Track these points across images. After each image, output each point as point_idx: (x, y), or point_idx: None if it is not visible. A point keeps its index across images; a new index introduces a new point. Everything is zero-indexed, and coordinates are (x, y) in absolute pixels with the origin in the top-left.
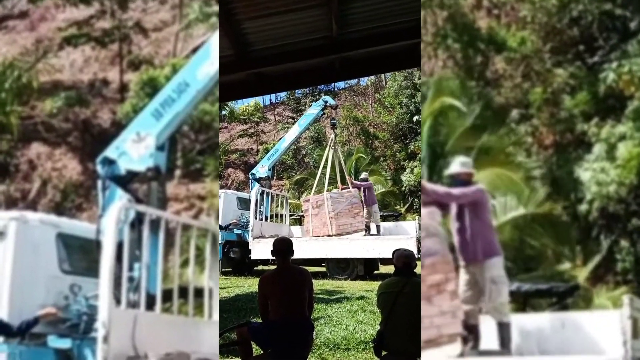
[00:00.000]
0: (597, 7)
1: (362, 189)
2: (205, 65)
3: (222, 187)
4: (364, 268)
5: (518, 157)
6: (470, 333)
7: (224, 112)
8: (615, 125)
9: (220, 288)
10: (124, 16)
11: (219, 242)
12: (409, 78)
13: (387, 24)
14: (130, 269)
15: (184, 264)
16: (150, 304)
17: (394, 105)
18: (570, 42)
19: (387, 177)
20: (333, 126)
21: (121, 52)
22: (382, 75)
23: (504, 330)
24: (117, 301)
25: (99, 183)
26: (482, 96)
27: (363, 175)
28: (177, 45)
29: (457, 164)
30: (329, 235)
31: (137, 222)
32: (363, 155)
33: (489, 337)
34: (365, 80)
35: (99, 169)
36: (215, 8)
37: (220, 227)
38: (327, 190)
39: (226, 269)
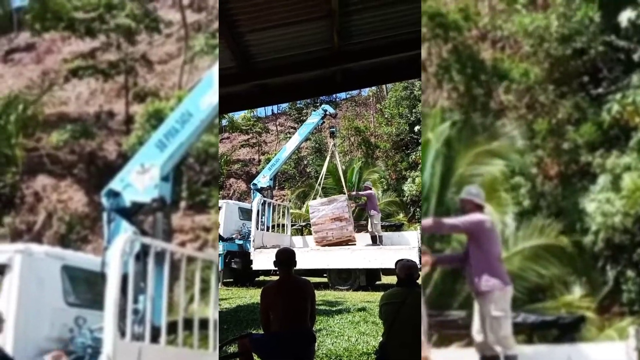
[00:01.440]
0: (600, 38)
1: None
2: (208, 95)
3: (223, 197)
4: (366, 278)
5: (521, 190)
6: None
7: (224, 123)
8: (620, 156)
9: (221, 299)
10: (129, 49)
11: (221, 252)
12: (410, 89)
13: (388, 35)
14: (135, 301)
15: (188, 296)
16: (154, 336)
17: (394, 115)
18: (574, 73)
19: (385, 188)
20: (332, 135)
21: (127, 84)
22: (384, 86)
23: None
24: (122, 333)
25: (104, 215)
26: (486, 127)
27: (366, 184)
28: (182, 77)
29: (464, 192)
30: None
31: (142, 254)
32: (354, 167)
33: None
34: (366, 91)
35: (104, 201)
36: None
37: (222, 239)
38: (313, 199)
39: (227, 280)
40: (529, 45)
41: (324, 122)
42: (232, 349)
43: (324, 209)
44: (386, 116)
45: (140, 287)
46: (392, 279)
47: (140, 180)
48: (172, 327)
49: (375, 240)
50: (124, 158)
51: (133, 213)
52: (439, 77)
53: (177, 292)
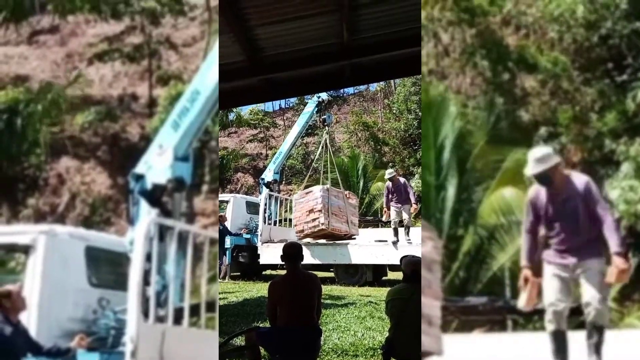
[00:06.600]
0: (625, 25)
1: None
2: (213, 72)
3: (231, 191)
4: (373, 274)
5: None
6: (561, 339)
7: (231, 117)
8: None
9: (229, 292)
10: (154, 32)
11: (228, 246)
12: (418, 84)
13: (398, 30)
14: (157, 283)
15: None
16: (177, 318)
17: (402, 111)
18: (598, 60)
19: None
20: (324, 122)
21: (150, 67)
22: (392, 81)
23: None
24: (145, 315)
25: (130, 198)
26: (508, 114)
27: (388, 173)
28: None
29: (533, 164)
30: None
31: (165, 237)
32: (359, 160)
33: None
34: (374, 86)
35: (130, 184)
36: None
37: (230, 234)
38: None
39: (235, 274)
40: (554, 31)
41: (319, 109)
42: (239, 342)
43: (301, 201)
44: (394, 112)
45: (163, 269)
46: (398, 275)
47: (158, 161)
48: (193, 310)
49: (397, 234)
50: (147, 141)
51: (157, 195)
52: (452, 63)
53: (198, 274)
